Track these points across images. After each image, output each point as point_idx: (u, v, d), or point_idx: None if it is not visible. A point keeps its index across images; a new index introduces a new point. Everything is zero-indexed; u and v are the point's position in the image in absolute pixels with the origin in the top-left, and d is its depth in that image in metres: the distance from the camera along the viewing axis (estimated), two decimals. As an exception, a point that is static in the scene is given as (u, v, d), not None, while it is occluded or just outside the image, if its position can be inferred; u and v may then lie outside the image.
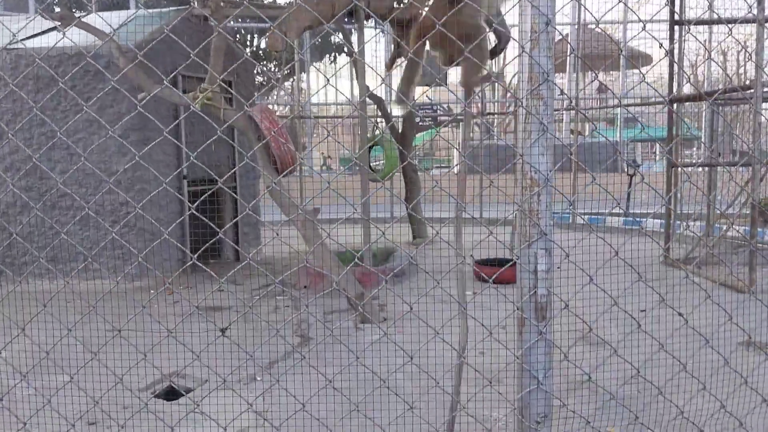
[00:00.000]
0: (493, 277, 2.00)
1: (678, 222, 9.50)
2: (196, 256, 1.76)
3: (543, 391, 1.71)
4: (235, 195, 4.93)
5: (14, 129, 6.94)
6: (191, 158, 1.98)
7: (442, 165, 15.65)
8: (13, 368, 1.59)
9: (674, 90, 9.16)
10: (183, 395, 4.61)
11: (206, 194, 1.89)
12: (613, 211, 11.84)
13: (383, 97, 11.74)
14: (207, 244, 1.96)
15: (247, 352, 1.52)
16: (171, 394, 4.65)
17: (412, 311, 1.69)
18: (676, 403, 1.74)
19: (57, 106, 7.01)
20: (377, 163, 12.00)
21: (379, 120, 10.01)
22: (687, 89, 10.92)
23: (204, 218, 2.24)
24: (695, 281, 1.99)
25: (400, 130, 9.94)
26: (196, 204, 2.11)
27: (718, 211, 8.75)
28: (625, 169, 14.00)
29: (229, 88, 8.42)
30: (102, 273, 7.02)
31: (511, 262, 1.83)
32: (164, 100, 7.11)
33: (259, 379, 4.70)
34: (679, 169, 8.99)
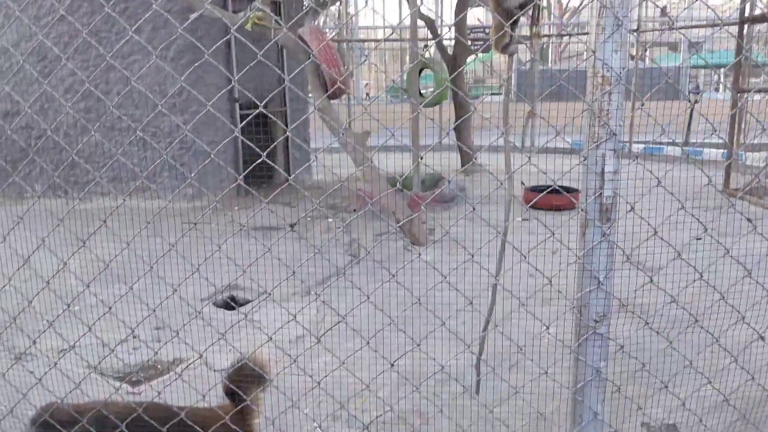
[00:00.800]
0: (533, 202, 1.99)
1: (741, 152, 9.09)
2: (253, 166, 1.80)
3: (603, 291, 1.73)
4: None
5: (71, 51, 7.08)
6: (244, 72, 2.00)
7: (494, 92, 15.23)
8: (106, 266, 1.70)
9: (746, 10, 8.57)
10: (244, 304, 4.85)
11: (258, 108, 1.91)
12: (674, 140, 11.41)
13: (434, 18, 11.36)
14: (264, 156, 2.00)
15: (321, 250, 1.58)
16: (230, 305, 4.90)
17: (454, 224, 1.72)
18: (737, 309, 1.74)
19: (111, 29, 7.09)
20: (426, 90, 11.79)
21: (429, 42, 9.76)
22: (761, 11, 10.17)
23: (252, 141, 2.28)
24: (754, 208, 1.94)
25: (451, 53, 9.67)
26: (248, 118, 2.13)
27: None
28: (687, 97, 13.38)
29: (278, 10, 8.33)
30: (160, 193, 7.28)
31: (550, 188, 1.81)
32: (216, 23, 7.10)
33: (313, 292, 4.89)
34: (746, 95, 8.53)
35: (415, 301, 1.66)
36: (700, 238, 5.35)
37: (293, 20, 2.36)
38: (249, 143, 1.82)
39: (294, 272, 1.63)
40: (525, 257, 1.64)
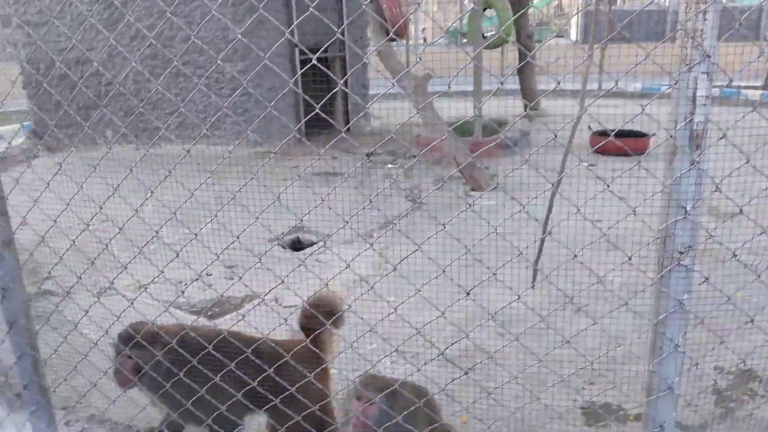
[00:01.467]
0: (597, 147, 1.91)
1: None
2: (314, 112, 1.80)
3: (690, 221, 1.67)
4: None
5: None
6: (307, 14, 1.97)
7: (559, 35, 14.61)
8: (191, 194, 1.76)
9: None
10: (309, 246, 4.97)
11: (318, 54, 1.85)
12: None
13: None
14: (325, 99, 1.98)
15: (396, 179, 1.58)
16: (297, 246, 5.03)
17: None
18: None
19: (174, -26, 7.14)
20: (489, 33, 11.43)
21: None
22: None
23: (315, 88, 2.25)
24: None
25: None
26: (310, 62, 2.10)
27: None
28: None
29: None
30: (224, 139, 7.44)
31: (612, 133, 1.70)
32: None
33: (376, 235, 4.95)
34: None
35: (492, 231, 1.65)
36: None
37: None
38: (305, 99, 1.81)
39: (371, 201, 1.64)
40: (608, 186, 1.60)
